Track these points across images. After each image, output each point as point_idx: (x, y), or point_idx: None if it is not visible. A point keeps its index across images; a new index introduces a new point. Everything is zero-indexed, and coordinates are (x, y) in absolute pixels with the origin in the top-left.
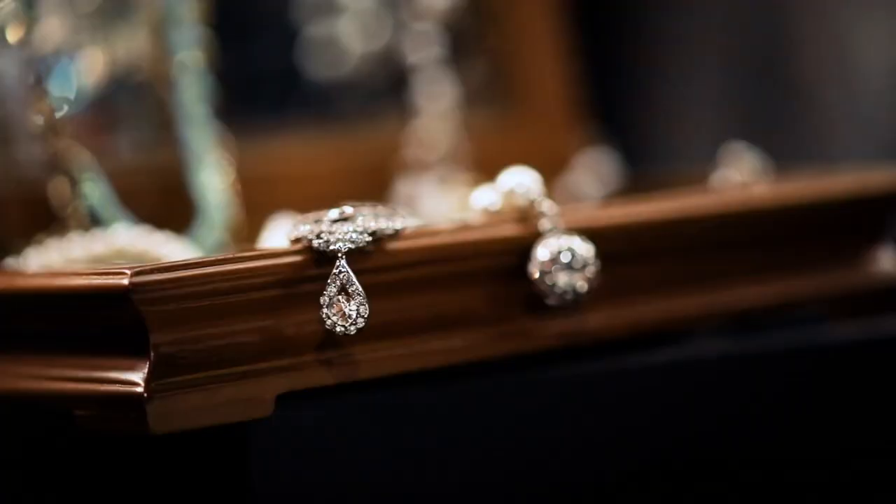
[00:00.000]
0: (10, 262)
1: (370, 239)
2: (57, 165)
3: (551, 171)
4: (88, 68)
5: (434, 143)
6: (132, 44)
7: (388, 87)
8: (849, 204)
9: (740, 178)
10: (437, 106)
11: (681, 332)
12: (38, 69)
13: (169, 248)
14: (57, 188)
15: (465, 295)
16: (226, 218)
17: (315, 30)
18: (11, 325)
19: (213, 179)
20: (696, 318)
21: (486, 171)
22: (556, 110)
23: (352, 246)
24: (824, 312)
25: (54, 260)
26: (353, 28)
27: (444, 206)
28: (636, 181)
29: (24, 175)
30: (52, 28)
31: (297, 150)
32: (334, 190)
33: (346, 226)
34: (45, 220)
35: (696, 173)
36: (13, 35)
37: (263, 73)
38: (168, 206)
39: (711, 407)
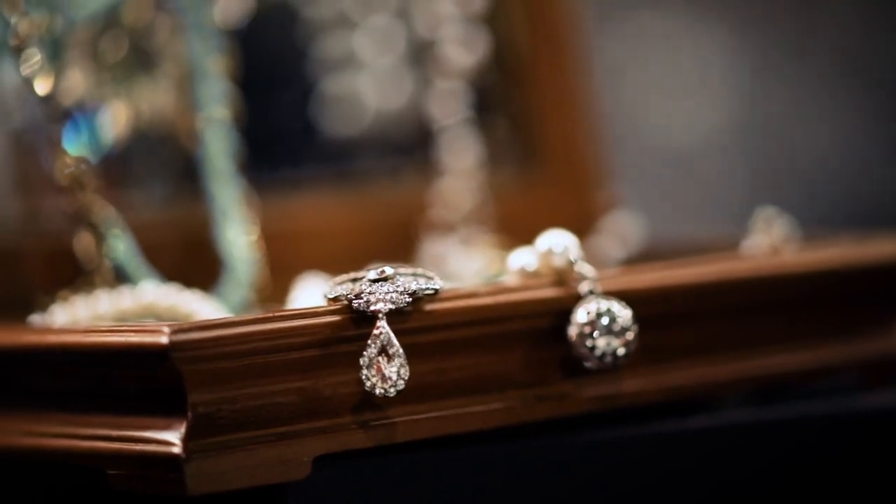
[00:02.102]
0: (35, 318)
1: (410, 300)
2: (82, 219)
3: (575, 232)
4: (112, 121)
5: (458, 202)
6: (155, 97)
7: (410, 144)
8: (883, 271)
9: (771, 243)
10: (460, 165)
11: (714, 398)
12: (63, 121)
13: (198, 306)
14: (82, 242)
15: (502, 357)
16: (252, 275)
17: (335, 86)
18: (42, 382)
19: (240, 236)
20: (731, 383)
21: (509, 231)
22: (579, 171)
23: (392, 307)
24: (858, 380)
25: (81, 316)
26: (373, 84)
27: (470, 266)
28: (658, 244)
29: (47, 228)
30: (75, 80)
31: (317, 206)
32: (355, 247)
33: (386, 286)
34: (68, 273)
35: (720, 238)
36: (42, 86)
37: (284, 129)
38: (190, 260)
39: (744, 473)
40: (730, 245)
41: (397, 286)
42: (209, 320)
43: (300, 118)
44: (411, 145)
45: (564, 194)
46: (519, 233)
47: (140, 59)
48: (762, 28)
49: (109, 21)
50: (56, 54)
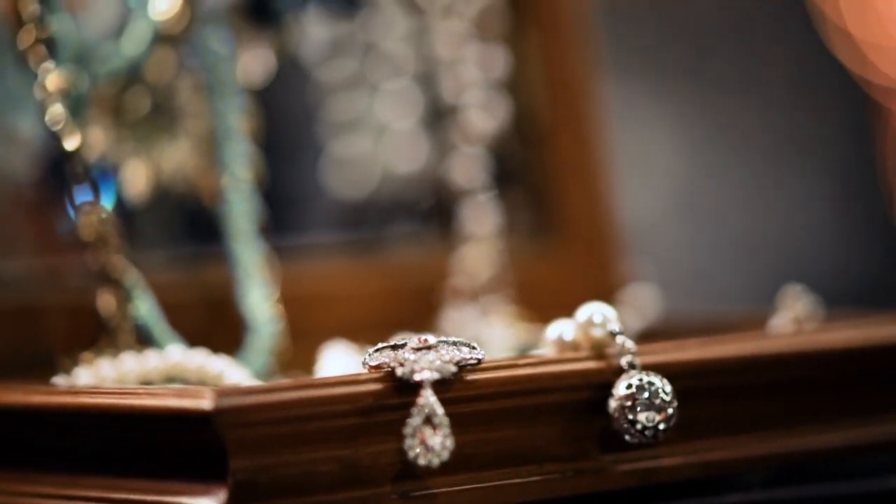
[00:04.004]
0: (59, 379)
1: (456, 370)
2: (105, 277)
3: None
4: (133, 179)
5: (477, 270)
6: (176, 155)
7: (429, 209)
8: None
9: (797, 320)
10: (480, 232)
11: (749, 475)
12: (87, 177)
13: (225, 371)
14: (104, 301)
15: (541, 429)
16: (275, 340)
17: (352, 149)
18: (75, 444)
19: (263, 300)
20: (766, 459)
21: (527, 300)
22: (598, 241)
23: (438, 376)
24: (891, 460)
25: (106, 377)
26: (392, 148)
27: (490, 335)
28: (673, 319)
29: (68, 285)
30: (96, 137)
31: (334, 271)
32: (373, 313)
33: (430, 354)
34: (89, 331)
35: (735, 314)
36: (68, 142)
37: (301, 192)
38: (209, 322)
39: None
40: (746, 321)
41: (441, 355)
42: (252, 386)
43: (317, 181)
44: (430, 211)
45: (583, 264)
46: (536, 302)
47: (161, 117)
48: (709, 111)
49: (131, 78)
50: (79, 110)
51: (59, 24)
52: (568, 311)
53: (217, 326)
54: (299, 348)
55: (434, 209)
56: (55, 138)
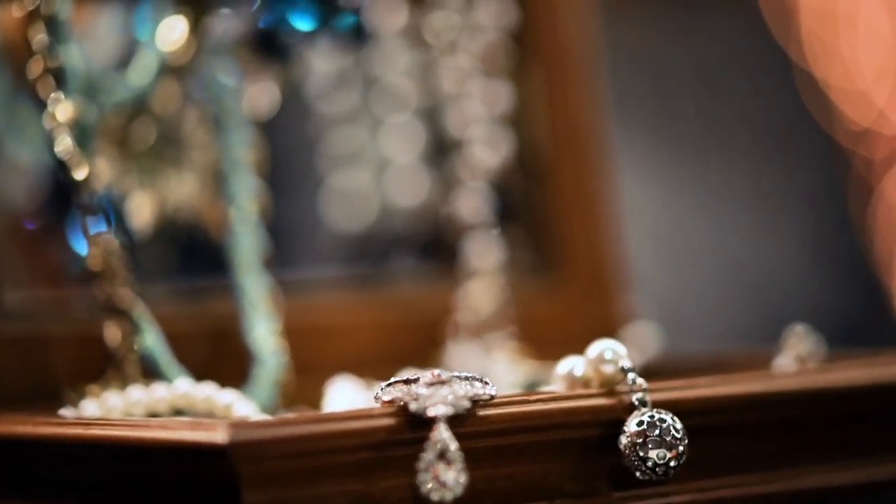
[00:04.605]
0: (66, 411)
1: (469, 405)
2: (112, 309)
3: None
4: (138, 210)
5: (480, 305)
6: (182, 187)
7: (432, 243)
8: None
9: (800, 359)
10: (483, 267)
11: None
12: (94, 208)
13: (232, 404)
14: (110, 332)
15: (553, 465)
16: (280, 373)
17: (353, 182)
18: (84, 477)
19: (269, 333)
20: (776, 497)
21: (528, 335)
22: (600, 277)
23: (452, 411)
24: None
25: (113, 409)
26: (394, 182)
27: (494, 371)
28: (677, 357)
29: (73, 316)
30: (102, 168)
31: (335, 304)
32: (375, 348)
33: (444, 390)
34: (94, 362)
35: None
36: (76, 172)
37: (302, 225)
38: (213, 353)
39: None
40: (749, 360)
41: (454, 390)
42: (266, 420)
43: (318, 214)
44: (431, 245)
45: (585, 301)
46: (537, 338)
47: (167, 149)
48: (682, 155)
49: (137, 109)
50: (86, 141)
51: (68, 55)
52: (568, 348)
53: (222, 359)
54: (302, 382)
55: (435, 244)
56: (63, 168)
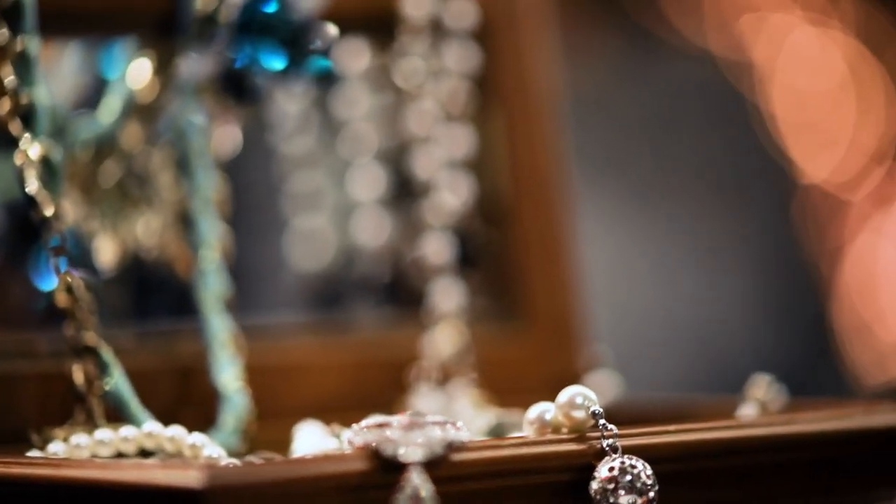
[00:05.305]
0: (34, 452)
1: (442, 449)
2: (77, 349)
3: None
4: (103, 250)
5: (441, 350)
6: (147, 227)
7: (391, 285)
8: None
9: (765, 407)
10: (444, 312)
11: None
12: (61, 246)
13: (200, 446)
14: (76, 373)
15: None
16: (245, 417)
17: (311, 224)
18: None
19: (234, 377)
20: None
21: (489, 381)
22: (561, 326)
23: (426, 455)
24: None
25: (81, 449)
26: (357, 224)
27: (461, 418)
28: (639, 405)
29: (38, 354)
30: (67, 207)
31: (295, 347)
32: (338, 391)
33: (417, 434)
34: (60, 402)
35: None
36: (45, 211)
37: (265, 267)
38: (176, 394)
39: None
40: (713, 408)
41: (428, 434)
42: (241, 463)
43: (280, 256)
44: (393, 288)
45: (546, 349)
46: (497, 385)
47: (133, 188)
48: (636, 201)
49: (102, 148)
50: (53, 180)
51: (36, 95)
52: (529, 396)
53: (186, 400)
54: (264, 426)
55: (399, 287)
56: (33, 206)
